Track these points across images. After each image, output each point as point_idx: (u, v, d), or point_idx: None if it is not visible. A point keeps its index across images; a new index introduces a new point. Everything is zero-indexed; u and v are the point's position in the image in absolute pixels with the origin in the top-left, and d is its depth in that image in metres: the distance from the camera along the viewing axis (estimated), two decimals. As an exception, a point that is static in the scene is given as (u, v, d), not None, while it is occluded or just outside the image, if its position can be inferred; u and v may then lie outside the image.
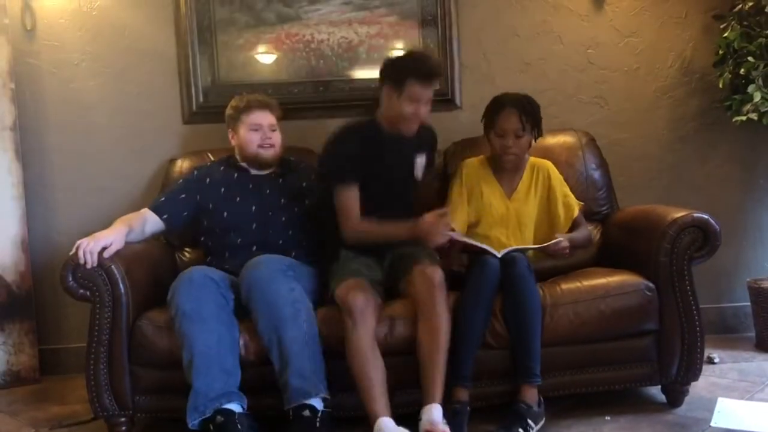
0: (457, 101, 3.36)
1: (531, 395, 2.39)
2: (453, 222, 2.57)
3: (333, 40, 3.35)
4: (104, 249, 2.44)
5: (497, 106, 2.69)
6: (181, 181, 2.86)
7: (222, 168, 2.86)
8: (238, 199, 2.75)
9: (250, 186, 2.79)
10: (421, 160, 2.72)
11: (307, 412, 2.20)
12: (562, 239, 2.57)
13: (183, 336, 2.30)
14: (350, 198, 2.53)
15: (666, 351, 2.51)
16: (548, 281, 2.65)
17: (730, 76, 3.12)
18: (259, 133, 2.77)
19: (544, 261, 2.72)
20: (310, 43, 3.35)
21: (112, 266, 2.44)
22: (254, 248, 2.65)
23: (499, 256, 2.48)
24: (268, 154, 2.79)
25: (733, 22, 3.12)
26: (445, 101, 3.35)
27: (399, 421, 2.23)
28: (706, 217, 2.48)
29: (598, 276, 2.61)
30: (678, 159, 3.43)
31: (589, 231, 2.82)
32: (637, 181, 3.38)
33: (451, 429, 2.22)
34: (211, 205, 2.75)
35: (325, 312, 2.45)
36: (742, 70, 3.03)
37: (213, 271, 2.48)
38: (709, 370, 2.87)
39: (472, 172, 2.78)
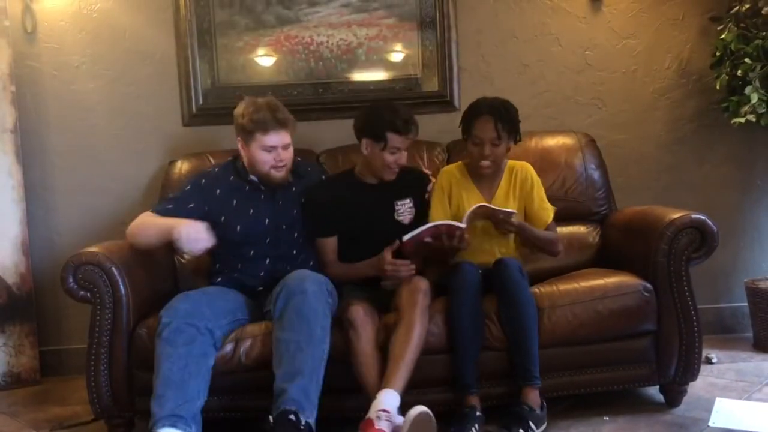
0: (456, 103, 3.37)
1: (533, 398, 2.39)
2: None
3: (332, 42, 3.36)
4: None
5: (473, 113, 2.63)
6: (188, 187, 2.69)
7: (231, 177, 2.70)
8: (251, 212, 2.66)
9: (262, 197, 2.68)
10: (404, 205, 2.73)
11: (292, 417, 2.16)
12: (514, 215, 2.53)
13: (156, 362, 2.27)
14: (326, 246, 2.71)
15: (664, 351, 2.52)
16: (546, 282, 2.66)
17: (727, 77, 3.13)
18: (273, 154, 2.60)
19: (540, 262, 2.73)
20: (310, 46, 3.36)
21: (113, 268, 2.45)
22: (267, 261, 2.65)
23: (463, 225, 2.45)
24: (280, 174, 2.64)
25: (730, 24, 3.13)
26: (443, 103, 3.37)
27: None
28: (704, 218, 2.49)
29: (597, 277, 2.62)
30: (676, 160, 3.44)
31: (557, 237, 2.71)
32: (634, 182, 3.39)
33: (455, 429, 2.31)
34: (222, 218, 2.63)
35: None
36: (739, 72, 3.04)
37: (209, 299, 2.43)
38: (707, 371, 2.88)
39: (451, 179, 2.74)
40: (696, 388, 2.66)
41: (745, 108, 3.04)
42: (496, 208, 2.55)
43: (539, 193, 2.71)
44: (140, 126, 3.37)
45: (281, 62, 3.38)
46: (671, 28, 3.40)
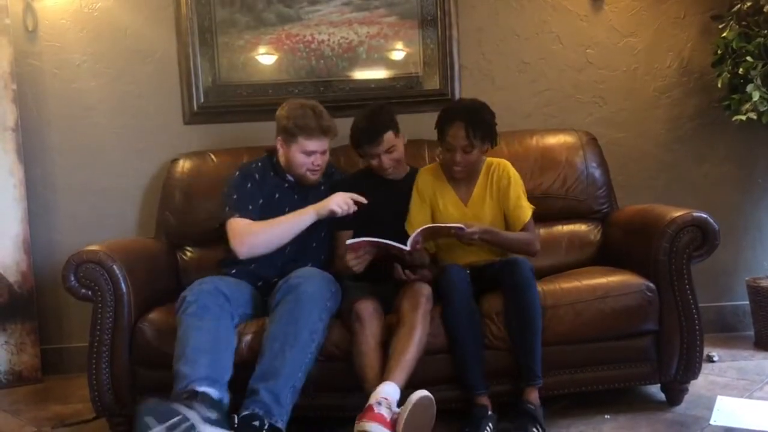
0: (457, 101, 3.36)
1: (535, 396, 2.40)
2: (409, 230, 2.60)
3: (333, 40, 3.36)
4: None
5: (446, 119, 2.60)
6: (249, 185, 2.70)
7: (271, 173, 2.76)
8: (286, 209, 2.67)
9: (296, 197, 2.72)
10: None
11: (256, 423, 2.13)
12: (475, 227, 2.49)
13: (180, 336, 2.26)
14: (342, 239, 2.68)
15: (665, 350, 2.51)
16: (548, 280, 2.65)
17: (728, 75, 3.12)
18: (311, 158, 2.67)
19: (540, 260, 2.73)
20: (311, 44, 3.36)
21: (114, 266, 2.45)
22: (287, 250, 2.64)
23: (407, 248, 2.43)
24: (314, 177, 2.72)
25: (731, 22, 3.13)
26: (444, 101, 3.34)
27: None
28: (705, 216, 2.49)
29: (599, 276, 2.61)
30: (676, 158, 3.44)
31: (534, 238, 2.65)
32: (635, 181, 3.38)
33: (469, 430, 2.31)
34: (264, 212, 2.66)
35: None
36: (740, 70, 3.03)
37: (224, 285, 2.43)
38: (709, 369, 2.88)
39: (428, 180, 2.72)
40: (697, 386, 2.65)
41: (747, 106, 3.04)
42: (443, 225, 2.52)
43: (516, 191, 2.65)
44: (141, 124, 3.37)
45: (282, 60, 3.38)
46: (672, 27, 3.40)
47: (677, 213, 2.52)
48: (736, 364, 2.98)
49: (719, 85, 3.16)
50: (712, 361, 3.00)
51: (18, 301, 3.24)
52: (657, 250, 2.50)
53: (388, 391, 2.20)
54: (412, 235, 2.45)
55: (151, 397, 2.13)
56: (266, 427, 2.14)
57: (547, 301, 2.47)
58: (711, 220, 2.48)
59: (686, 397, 2.58)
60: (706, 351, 2.79)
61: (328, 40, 3.36)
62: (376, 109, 2.72)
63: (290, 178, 2.75)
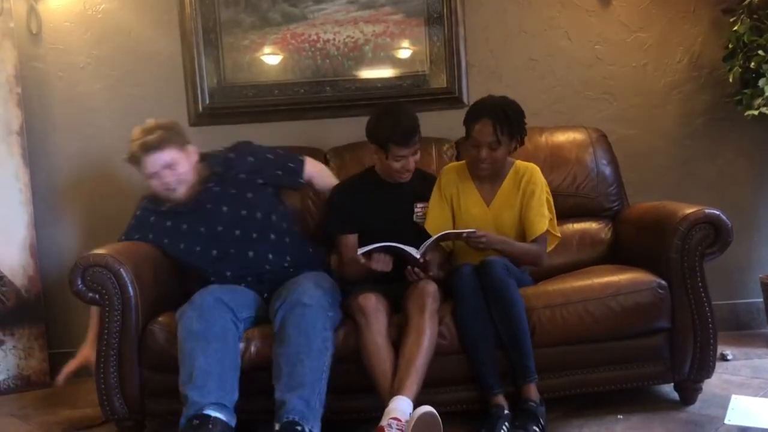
0: (464, 99, 3.34)
1: (534, 393, 2.38)
2: (430, 231, 2.60)
3: (339, 39, 3.34)
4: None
5: (473, 115, 2.59)
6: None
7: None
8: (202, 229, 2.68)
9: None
10: (424, 208, 2.73)
11: (299, 428, 2.14)
12: (484, 234, 2.48)
13: (185, 354, 2.27)
14: (346, 243, 2.71)
15: (678, 348, 2.49)
16: (559, 278, 2.65)
17: (740, 70, 3.10)
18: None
19: (552, 258, 2.72)
20: (316, 43, 3.34)
21: (121, 269, 2.44)
22: (251, 254, 2.65)
23: (418, 255, 2.44)
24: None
25: (742, 16, 3.10)
26: (451, 99, 3.34)
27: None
28: (718, 212, 2.46)
29: (610, 273, 2.59)
30: (688, 155, 3.40)
31: (542, 251, 2.62)
32: (646, 178, 3.35)
33: (486, 430, 2.29)
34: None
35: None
36: (752, 64, 3.01)
37: (225, 293, 2.43)
38: (722, 368, 2.85)
39: (451, 179, 2.71)
40: (711, 385, 2.62)
41: (759, 100, 3.02)
42: (454, 231, 2.52)
43: (539, 200, 2.62)
44: (147, 126, 3.35)
45: (287, 60, 3.36)
46: (682, 21, 3.37)
47: (689, 210, 2.49)
48: (750, 363, 2.95)
49: (731, 80, 3.13)
50: (726, 360, 2.97)
51: (25, 305, 3.23)
52: (669, 248, 2.47)
53: (399, 408, 2.20)
54: (425, 244, 2.45)
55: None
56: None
57: (558, 300, 2.46)
58: (724, 217, 2.45)
59: (700, 397, 2.55)
60: (720, 349, 2.77)
61: (334, 39, 3.34)
62: (404, 108, 2.67)
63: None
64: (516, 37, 3.37)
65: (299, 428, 2.13)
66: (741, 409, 2.37)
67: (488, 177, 2.67)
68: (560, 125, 3.20)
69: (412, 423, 2.14)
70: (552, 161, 3.00)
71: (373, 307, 2.40)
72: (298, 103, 3.35)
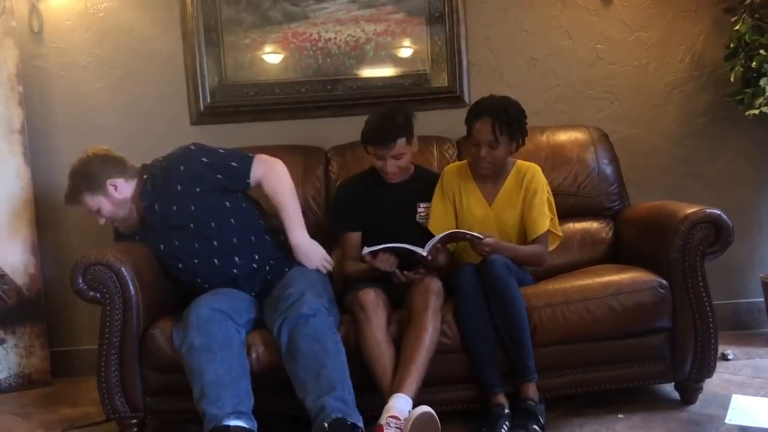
0: (465, 98, 3.34)
1: (534, 392, 2.38)
2: (433, 230, 2.62)
3: (340, 38, 3.34)
4: None
5: (474, 114, 2.60)
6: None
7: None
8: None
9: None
10: (427, 208, 2.74)
11: (348, 422, 2.14)
12: (491, 239, 2.49)
13: (193, 369, 2.26)
14: (349, 242, 2.75)
15: (679, 348, 2.49)
16: (560, 278, 2.65)
17: (741, 69, 3.10)
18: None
19: (553, 257, 2.72)
20: (317, 42, 3.34)
21: (122, 268, 2.44)
22: (215, 261, 2.61)
23: (425, 253, 2.44)
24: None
25: (744, 15, 3.09)
26: (452, 98, 3.34)
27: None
28: (719, 212, 2.46)
29: (611, 273, 2.59)
30: (689, 154, 3.40)
31: (544, 251, 2.62)
32: (647, 177, 3.35)
33: (487, 429, 2.30)
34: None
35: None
36: (754, 63, 3.01)
37: (219, 301, 2.41)
38: (723, 367, 2.85)
39: (453, 179, 2.71)
40: (712, 385, 2.62)
41: (760, 100, 3.02)
42: (462, 231, 2.52)
43: (541, 198, 2.63)
44: (148, 125, 3.35)
45: (289, 59, 3.36)
46: (684, 20, 3.36)
47: (690, 209, 2.49)
48: (751, 362, 2.95)
49: (732, 79, 3.12)
50: (727, 359, 2.97)
51: (27, 303, 3.23)
52: (670, 248, 2.48)
53: (398, 407, 2.21)
54: (432, 241, 2.45)
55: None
56: (356, 427, 2.15)
57: (558, 299, 2.46)
58: (725, 217, 2.45)
59: (701, 396, 2.55)
60: (721, 349, 2.77)
61: (335, 38, 3.34)
62: (394, 110, 2.67)
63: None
64: (517, 36, 3.37)
65: (348, 422, 2.13)
66: (742, 408, 2.37)
67: (490, 177, 2.67)
68: (561, 124, 3.20)
69: (410, 423, 2.15)
70: (553, 160, 3.00)
71: (373, 302, 2.41)
72: (299, 101, 3.35)
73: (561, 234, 2.70)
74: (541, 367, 2.40)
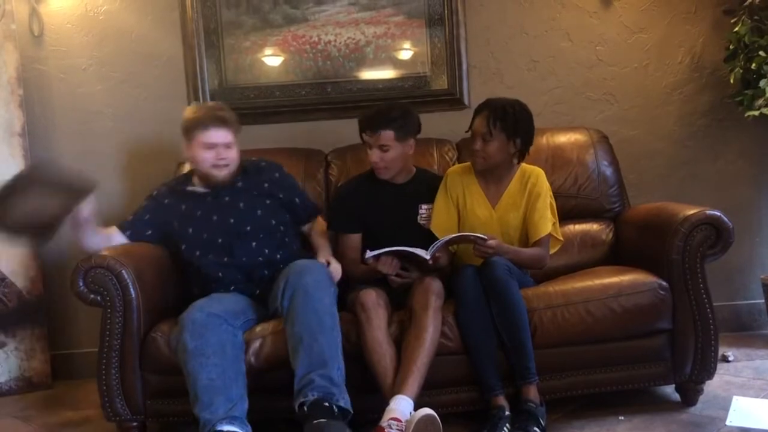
0: (465, 100, 3.34)
1: (534, 394, 2.38)
2: (436, 231, 2.63)
3: (340, 41, 3.34)
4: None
5: (477, 110, 2.64)
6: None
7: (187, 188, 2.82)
8: (199, 213, 2.70)
9: (209, 200, 2.73)
10: (429, 210, 2.74)
11: (326, 404, 2.18)
12: (493, 240, 2.49)
13: (188, 373, 2.28)
14: (349, 243, 2.75)
15: (680, 349, 2.49)
16: (560, 279, 2.65)
17: (741, 70, 3.10)
18: (213, 152, 2.65)
19: (553, 259, 2.72)
20: (317, 45, 3.34)
21: (123, 271, 2.44)
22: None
23: (428, 257, 2.45)
24: (221, 173, 2.68)
25: (743, 17, 3.10)
26: (452, 101, 3.34)
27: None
28: (719, 214, 2.46)
29: (611, 274, 2.59)
30: (689, 156, 3.40)
31: (545, 254, 2.63)
32: (647, 179, 3.35)
33: (487, 431, 2.30)
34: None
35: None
36: (753, 65, 3.01)
37: (214, 305, 2.41)
38: (724, 369, 2.85)
39: (456, 180, 2.72)
40: (712, 386, 2.63)
41: (760, 101, 3.02)
42: (465, 234, 2.52)
43: (544, 202, 2.64)
44: (148, 128, 3.36)
45: (289, 62, 3.36)
46: (683, 22, 3.37)
47: (690, 211, 2.49)
48: (752, 364, 2.94)
49: (732, 81, 3.13)
50: (728, 361, 2.96)
51: (27, 306, 3.23)
52: (670, 249, 2.48)
53: (399, 409, 2.21)
54: (436, 245, 2.45)
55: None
56: (335, 407, 2.18)
57: (559, 300, 2.46)
58: (725, 218, 2.46)
59: (701, 398, 2.55)
60: (721, 350, 2.77)
61: (335, 40, 3.34)
62: (394, 105, 2.71)
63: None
64: (517, 38, 3.37)
65: (326, 404, 2.17)
66: (742, 410, 2.37)
67: (494, 177, 2.67)
68: (561, 126, 3.21)
69: (412, 425, 2.15)
70: (553, 162, 3.00)
71: (374, 302, 2.41)
72: (300, 104, 3.35)
73: (562, 238, 2.70)
74: (541, 368, 2.40)
